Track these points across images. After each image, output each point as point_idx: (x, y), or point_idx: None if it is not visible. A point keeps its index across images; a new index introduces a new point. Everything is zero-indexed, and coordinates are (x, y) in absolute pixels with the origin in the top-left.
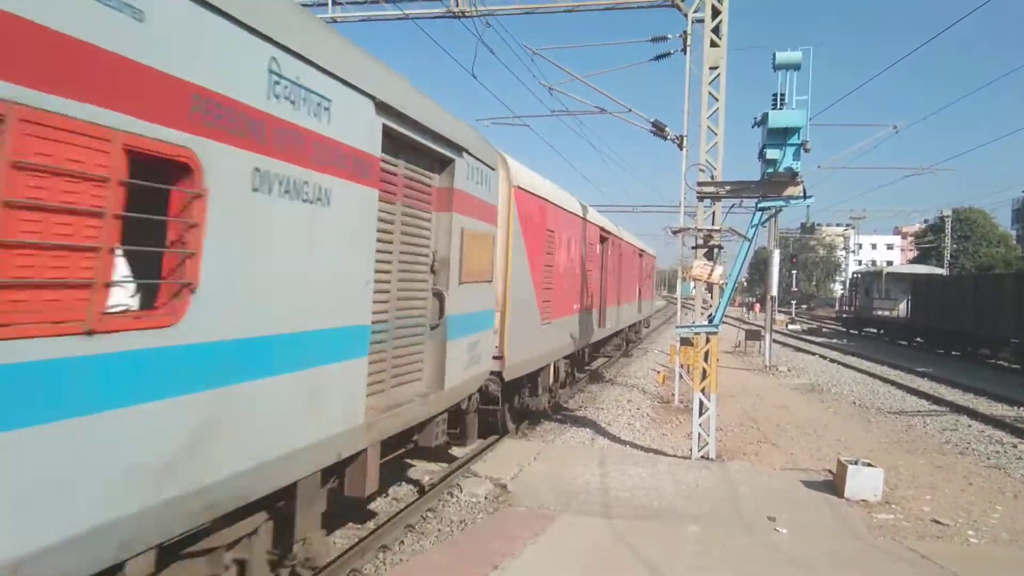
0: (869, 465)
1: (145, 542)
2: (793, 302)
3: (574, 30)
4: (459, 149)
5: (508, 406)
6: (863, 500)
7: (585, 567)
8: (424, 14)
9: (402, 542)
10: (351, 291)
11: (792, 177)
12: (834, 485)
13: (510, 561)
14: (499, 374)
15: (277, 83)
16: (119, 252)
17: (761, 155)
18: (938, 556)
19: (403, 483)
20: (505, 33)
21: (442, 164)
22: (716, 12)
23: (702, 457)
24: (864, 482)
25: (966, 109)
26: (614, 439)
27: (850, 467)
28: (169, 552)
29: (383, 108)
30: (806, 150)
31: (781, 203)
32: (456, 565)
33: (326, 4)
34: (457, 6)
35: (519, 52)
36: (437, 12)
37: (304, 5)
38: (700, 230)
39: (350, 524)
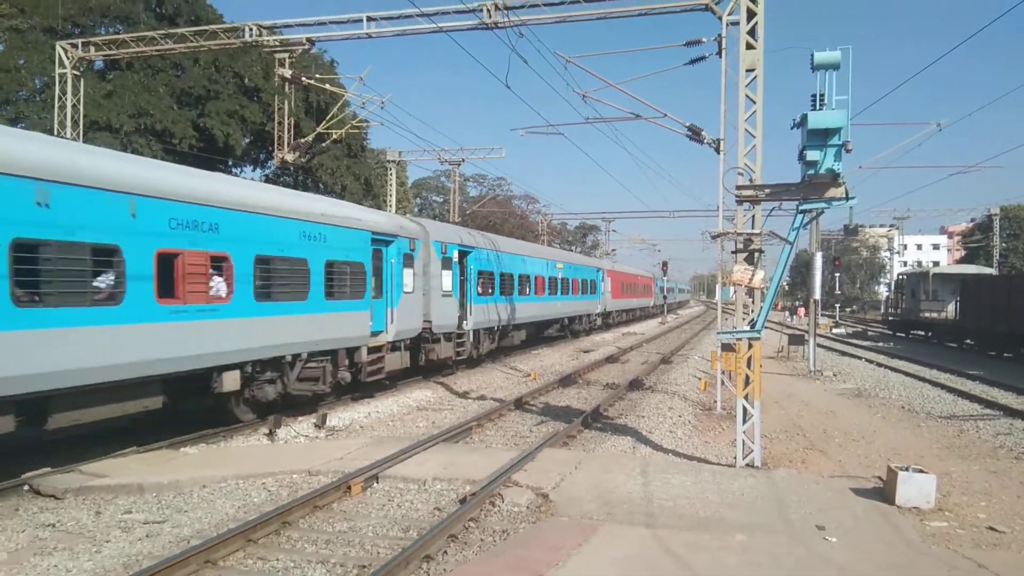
0: (921, 471)
1: None
2: (837, 305)
3: (607, 37)
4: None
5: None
6: (915, 508)
7: None
8: (457, 26)
9: (445, 552)
10: None
11: (833, 178)
12: (884, 492)
13: (554, 571)
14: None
15: None
16: None
17: (801, 157)
18: (995, 564)
19: (444, 493)
20: (538, 42)
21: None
22: (751, 14)
23: (747, 465)
24: (916, 489)
25: (1013, 104)
26: (656, 447)
27: (901, 474)
28: None
29: None
30: (847, 151)
31: (823, 205)
32: (500, 575)
33: (361, 21)
34: (490, 17)
35: (552, 61)
36: (470, 24)
37: (338, 23)
38: (740, 234)
39: (394, 534)
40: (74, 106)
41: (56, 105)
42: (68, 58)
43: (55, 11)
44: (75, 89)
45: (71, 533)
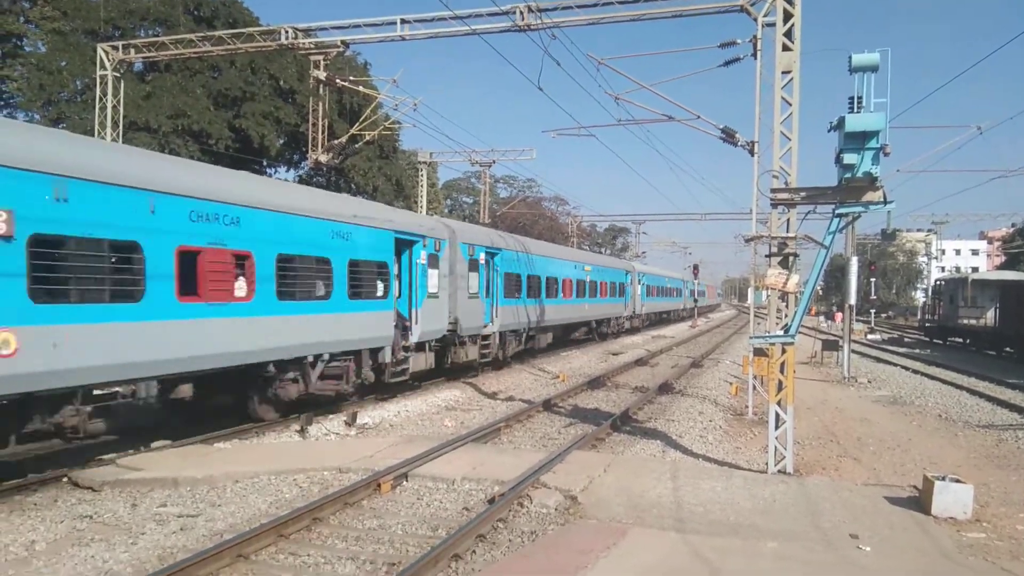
0: (958, 481)
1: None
2: (872, 311)
3: (640, 39)
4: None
5: None
6: (951, 518)
7: None
8: (490, 29)
9: (474, 552)
10: None
11: (871, 182)
12: (920, 502)
13: (584, 573)
14: None
15: None
16: None
17: (838, 160)
18: None
19: (473, 492)
20: (571, 44)
21: None
22: (788, 16)
23: (779, 471)
24: (953, 499)
25: None
26: (686, 452)
27: (937, 483)
28: None
29: None
30: (886, 154)
31: (860, 209)
32: None
33: (395, 23)
34: (523, 19)
35: (584, 63)
36: (503, 26)
37: (372, 25)
38: (774, 238)
39: (423, 533)
40: (114, 107)
41: (97, 106)
42: (109, 60)
43: (96, 14)
44: (115, 90)
45: (108, 525)
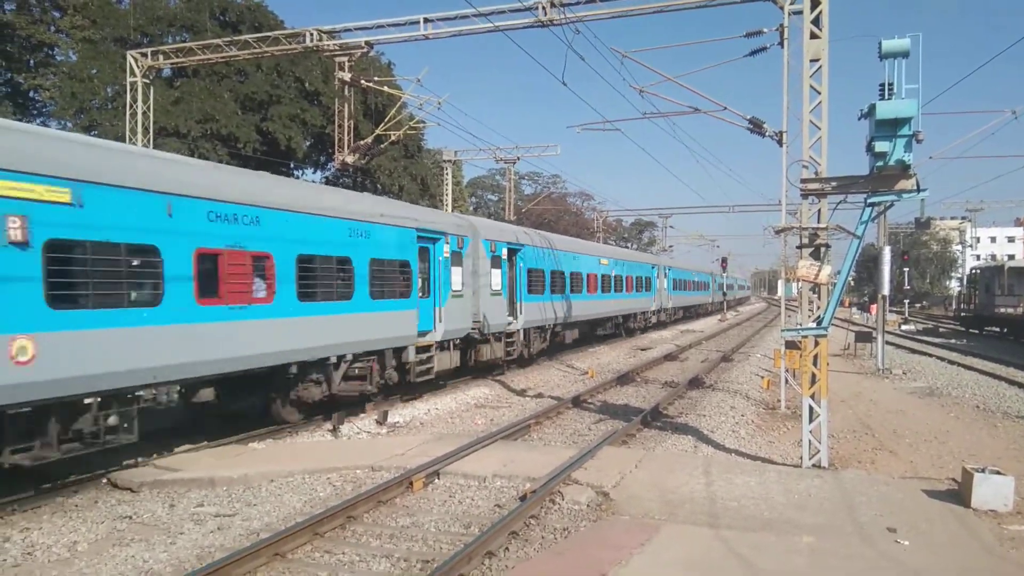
0: (998, 473)
1: None
2: (906, 301)
3: (664, 30)
4: None
5: None
6: (992, 510)
7: None
8: (513, 25)
9: (507, 548)
10: None
11: (903, 170)
12: (959, 494)
13: (618, 570)
14: None
15: None
16: None
17: (869, 148)
18: None
19: (504, 489)
20: (594, 39)
21: None
22: (815, 3)
23: (813, 465)
24: (993, 491)
25: None
26: (718, 447)
27: (977, 475)
28: None
29: None
30: (918, 141)
31: (893, 197)
32: (562, 573)
33: (418, 23)
34: (546, 15)
35: (608, 56)
36: (526, 22)
37: (396, 25)
38: (805, 229)
39: (455, 530)
40: (144, 113)
41: (127, 113)
42: (138, 67)
43: (125, 22)
44: (145, 96)
45: (147, 525)
